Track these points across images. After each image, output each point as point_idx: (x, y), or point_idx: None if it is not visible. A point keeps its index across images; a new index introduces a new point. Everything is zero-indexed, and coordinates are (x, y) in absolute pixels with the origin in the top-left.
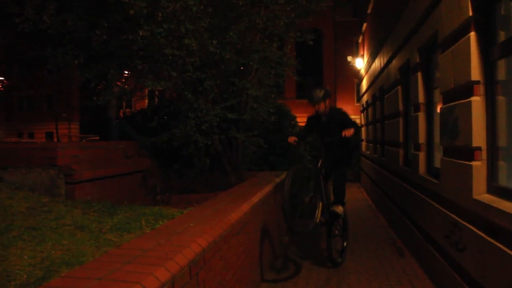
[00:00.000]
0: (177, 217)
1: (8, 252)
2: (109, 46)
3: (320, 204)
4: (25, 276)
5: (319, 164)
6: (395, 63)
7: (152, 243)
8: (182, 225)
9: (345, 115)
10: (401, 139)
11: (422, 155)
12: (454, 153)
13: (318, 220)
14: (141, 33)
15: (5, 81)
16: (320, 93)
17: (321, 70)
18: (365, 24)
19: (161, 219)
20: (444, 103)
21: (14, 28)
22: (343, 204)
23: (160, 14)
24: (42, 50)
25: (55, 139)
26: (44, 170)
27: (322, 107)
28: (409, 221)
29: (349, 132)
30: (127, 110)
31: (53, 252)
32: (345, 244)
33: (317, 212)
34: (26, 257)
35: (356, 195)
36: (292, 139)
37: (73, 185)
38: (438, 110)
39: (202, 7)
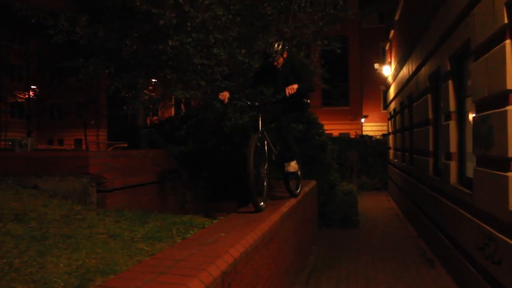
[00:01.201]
0: (207, 227)
1: (45, 259)
2: (139, 56)
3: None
4: (62, 284)
5: (259, 124)
6: (424, 70)
7: (184, 253)
8: (213, 235)
9: (304, 66)
10: (430, 148)
11: (453, 165)
12: (489, 163)
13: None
14: (170, 43)
15: (37, 89)
16: (277, 47)
17: (346, 76)
18: (392, 31)
19: (191, 229)
20: (477, 112)
21: (47, 38)
22: (295, 159)
23: (189, 24)
24: (75, 60)
25: (83, 146)
26: (76, 178)
27: (280, 62)
28: (439, 232)
29: (291, 90)
30: (154, 118)
31: (87, 260)
32: None
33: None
34: (62, 265)
35: (383, 203)
36: (223, 95)
37: (105, 193)
38: (470, 119)
39: (230, 16)
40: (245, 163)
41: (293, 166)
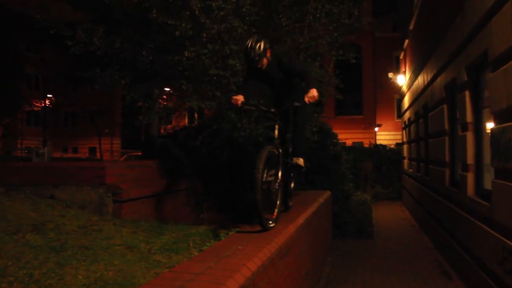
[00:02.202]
0: (223, 239)
1: (64, 271)
2: (155, 66)
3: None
4: None
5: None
6: (440, 80)
7: (202, 266)
8: (229, 247)
9: (292, 62)
10: (447, 159)
11: (470, 176)
12: (508, 175)
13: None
14: (186, 54)
15: (53, 98)
16: (259, 48)
17: (360, 85)
18: (407, 41)
19: (207, 240)
20: (495, 124)
21: (62, 47)
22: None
23: (205, 36)
24: (92, 71)
25: (98, 154)
26: (93, 188)
27: (265, 63)
28: (456, 244)
29: (313, 98)
30: (168, 126)
31: (105, 272)
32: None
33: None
34: (80, 277)
35: (398, 214)
36: (236, 99)
37: (121, 204)
38: (488, 130)
39: (245, 27)
40: (253, 179)
41: (302, 161)
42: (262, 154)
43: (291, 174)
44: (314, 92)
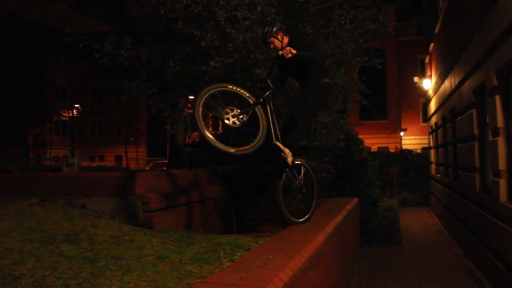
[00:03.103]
0: (254, 249)
1: (98, 281)
2: (181, 77)
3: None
4: None
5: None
6: (468, 84)
7: (234, 277)
8: (260, 257)
9: (303, 40)
10: (477, 164)
11: (502, 182)
12: None
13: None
14: (212, 64)
15: (80, 108)
16: (271, 29)
17: (384, 90)
18: (432, 44)
19: (238, 250)
20: None
21: (90, 59)
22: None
23: (230, 45)
24: (119, 82)
25: (124, 162)
26: (123, 198)
27: (277, 44)
28: (488, 251)
29: (287, 52)
30: (193, 135)
31: (138, 283)
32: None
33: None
34: None
35: (426, 219)
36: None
37: (150, 213)
38: None
39: None
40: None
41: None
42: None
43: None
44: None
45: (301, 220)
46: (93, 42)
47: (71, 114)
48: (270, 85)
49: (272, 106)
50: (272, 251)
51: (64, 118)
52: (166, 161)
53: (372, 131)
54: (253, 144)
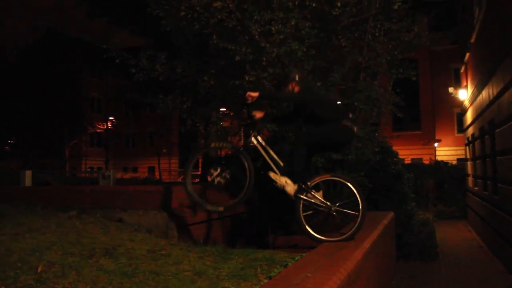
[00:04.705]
0: (291, 265)
1: None
2: (215, 91)
3: None
4: None
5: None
6: (508, 96)
7: None
8: (298, 274)
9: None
10: None
11: None
12: None
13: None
14: (247, 78)
15: (114, 120)
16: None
17: (417, 100)
18: (467, 54)
19: (274, 266)
20: None
21: (124, 73)
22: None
23: (264, 59)
24: (154, 95)
25: (156, 174)
26: (159, 212)
27: (290, 89)
28: None
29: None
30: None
31: None
32: None
33: None
34: None
35: (463, 234)
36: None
37: (186, 228)
38: None
39: (305, 49)
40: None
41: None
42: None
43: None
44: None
45: (338, 238)
46: (129, 57)
47: (105, 127)
48: (255, 123)
49: (262, 142)
50: (310, 268)
51: (98, 130)
52: (199, 172)
53: (405, 142)
54: (242, 193)
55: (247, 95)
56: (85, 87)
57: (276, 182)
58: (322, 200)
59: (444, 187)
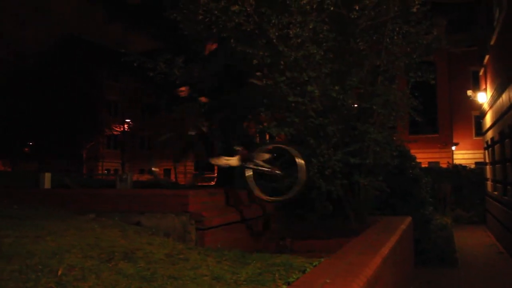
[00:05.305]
0: (310, 271)
1: None
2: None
3: None
4: None
5: None
6: None
7: None
8: (317, 280)
9: None
10: None
11: None
12: None
13: None
14: (264, 82)
15: (130, 123)
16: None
17: (434, 102)
18: (487, 57)
19: (292, 271)
20: None
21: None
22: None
23: (282, 63)
24: (174, 101)
25: (172, 176)
26: (176, 216)
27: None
28: None
29: None
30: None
31: None
32: None
33: None
34: None
35: (482, 239)
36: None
37: (203, 231)
38: None
39: (322, 53)
40: None
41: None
42: None
43: None
44: None
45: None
46: (147, 61)
47: (122, 129)
48: None
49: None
50: (329, 274)
51: (115, 133)
52: (214, 175)
53: (422, 146)
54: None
55: None
56: (103, 90)
57: (220, 165)
58: (265, 165)
59: (462, 191)
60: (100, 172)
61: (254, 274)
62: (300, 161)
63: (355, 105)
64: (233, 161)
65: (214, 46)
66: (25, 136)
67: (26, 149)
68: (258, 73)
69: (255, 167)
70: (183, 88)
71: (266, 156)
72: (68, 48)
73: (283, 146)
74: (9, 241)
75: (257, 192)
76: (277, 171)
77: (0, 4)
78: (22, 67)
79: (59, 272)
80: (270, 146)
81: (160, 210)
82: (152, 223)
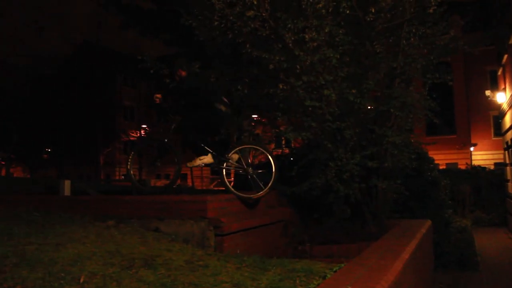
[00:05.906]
0: (330, 277)
1: None
2: (249, 100)
3: None
4: None
5: None
6: None
7: None
8: (338, 287)
9: None
10: None
11: None
12: None
13: None
14: (281, 86)
15: (147, 128)
16: None
17: (451, 103)
18: (505, 56)
19: (312, 277)
20: None
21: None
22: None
23: (298, 67)
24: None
25: (189, 181)
26: (195, 222)
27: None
28: None
29: None
30: (260, 156)
31: None
32: None
33: None
34: None
35: (504, 242)
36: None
37: (222, 237)
38: None
39: (338, 56)
40: None
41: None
42: None
43: None
44: None
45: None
46: (163, 67)
47: (138, 134)
48: None
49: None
50: (350, 280)
51: (131, 138)
52: (231, 179)
53: (439, 147)
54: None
55: None
56: (119, 96)
57: (196, 166)
58: (238, 165)
59: (481, 192)
60: (117, 177)
61: (275, 281)
62: (271, 157)
63: (372, 108)
64: (207, 158)
65: (184, 74)
66: (43, 142)
67: (44, 155)
68: (225, 99)
69: (228, 167)
70: (158, 95)
71: (236, 157)
72: (85, 54)
73: (253, 146)
74: (31, 248)
75: (232, 190)
76: (250, 171)
77: (20, 11)
78: (40, 74)
79: (81, 280)
80: (239, 147)
81: (179, 216)
82: (171, 229)
